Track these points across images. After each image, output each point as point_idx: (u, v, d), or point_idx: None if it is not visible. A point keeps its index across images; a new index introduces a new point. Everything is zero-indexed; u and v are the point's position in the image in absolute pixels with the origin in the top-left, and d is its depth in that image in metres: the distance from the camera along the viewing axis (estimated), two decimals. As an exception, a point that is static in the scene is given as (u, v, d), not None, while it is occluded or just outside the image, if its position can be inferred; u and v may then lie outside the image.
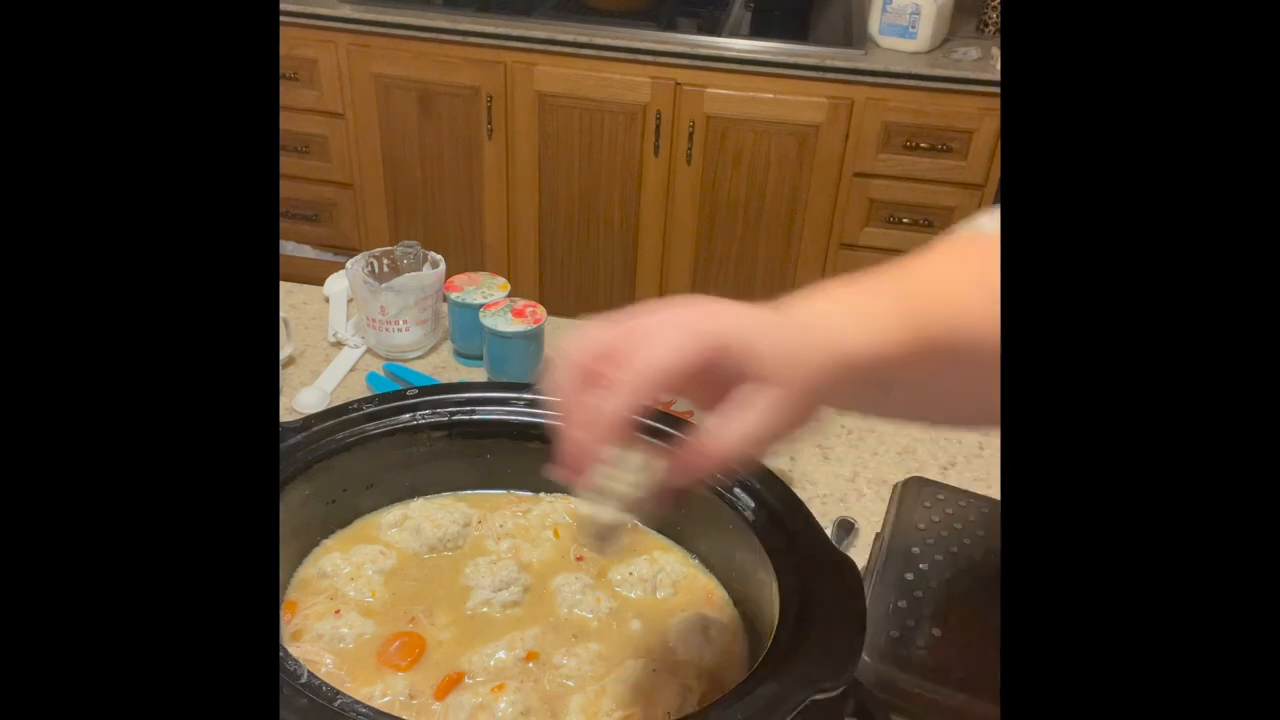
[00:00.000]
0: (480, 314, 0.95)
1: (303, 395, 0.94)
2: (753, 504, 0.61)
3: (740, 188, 1.97)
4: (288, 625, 0.60)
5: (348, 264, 1.00)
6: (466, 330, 0.99)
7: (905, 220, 1.96)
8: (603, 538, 0.47)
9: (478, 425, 0.69)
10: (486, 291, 0.99)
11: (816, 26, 2.07)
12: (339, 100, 2.04)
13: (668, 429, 0.67)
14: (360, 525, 0.68)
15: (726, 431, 0.43)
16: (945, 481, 0.79)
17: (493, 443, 0.70)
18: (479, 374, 1.00)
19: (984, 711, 0.61)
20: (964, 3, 2.02)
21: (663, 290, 2.13)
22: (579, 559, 0.67)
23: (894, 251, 2.18)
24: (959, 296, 0.47)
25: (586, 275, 2.16)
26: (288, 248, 2.23)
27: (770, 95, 1.87)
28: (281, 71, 2.01)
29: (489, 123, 1.99)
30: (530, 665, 0.58)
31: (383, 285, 0.97)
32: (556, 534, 0.68)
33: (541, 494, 0.72)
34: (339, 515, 0.68)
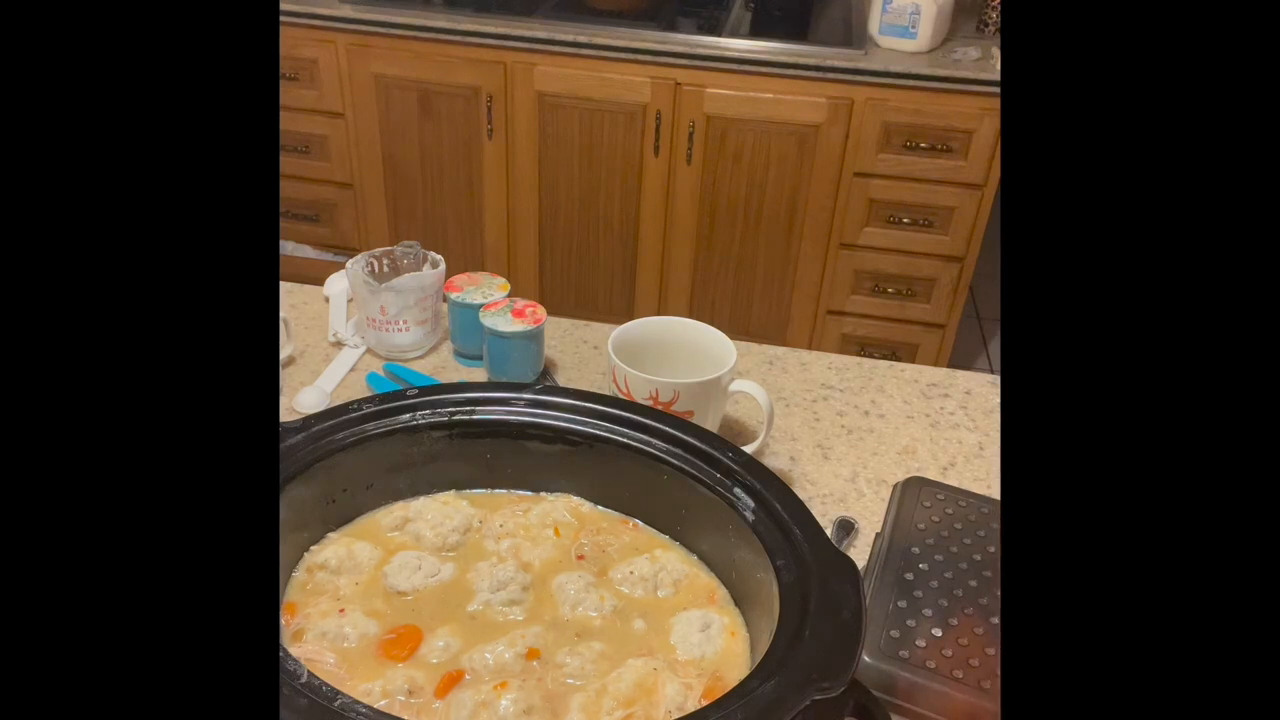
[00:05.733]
0: (480, 314, 0.95)
1: (303, 395, 0.94)
2: (753, 504, 0.62)
3: (740, 188, 1.97)
4: (288, 626, 0.60)
5: (348, 264, 1.00)
6: (466, 330, 0.99)
7: (905, 220, 1.96)
8: None
9: (478, 425, 0.69)
10: (486, 291, 0.99)
11: (816, 26, 2.07)
12: (339, 100, 2.04)
13: (670, 429, 0.67)
14: (360, 525, 0.68)
15: None
16: (945, 481, 0.79)
17: (493, 443, 0.70)
18: (479, 374, 1.00)
19: (984, 711, 0.61)
20: (964, 3, 2.02)
21: (663, 290, 2.13)
22: (580, 558, 0.67)
23: (894, 251, 2.17)
24: None
25: (586, 275, 2.16)
26: (288, 248, 2.24)
27: (770, 95, 1.87)
28: (281, 71, 2.01)
29: (489, 123, 2.00)
30: (533, 664, 0.59)
31: (383, 285, 0.97)
32: (557, 533, 0.68)
33: (542, 493, 0.72)
34: (339, 515, 0.68)
